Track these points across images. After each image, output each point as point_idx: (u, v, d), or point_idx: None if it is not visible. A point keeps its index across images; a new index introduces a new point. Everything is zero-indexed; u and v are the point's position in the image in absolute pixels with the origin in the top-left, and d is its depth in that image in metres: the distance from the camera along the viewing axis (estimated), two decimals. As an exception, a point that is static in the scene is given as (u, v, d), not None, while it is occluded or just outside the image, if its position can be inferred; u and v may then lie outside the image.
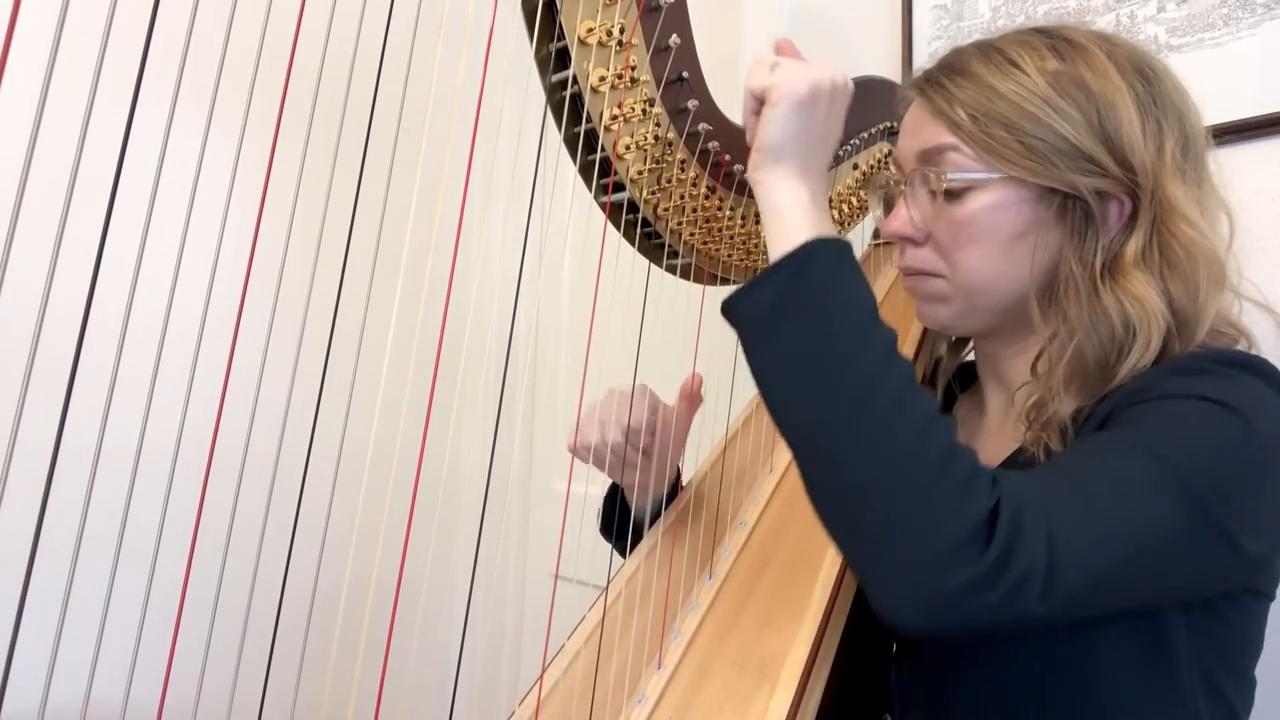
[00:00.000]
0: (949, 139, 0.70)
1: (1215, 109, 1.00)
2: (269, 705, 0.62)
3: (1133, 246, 0.67)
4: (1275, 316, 0.71)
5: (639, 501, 0.94)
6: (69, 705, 0.51)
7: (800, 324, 0.58)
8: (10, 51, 0.40)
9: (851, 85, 0.68)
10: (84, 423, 0.48)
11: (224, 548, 0.58)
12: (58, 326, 0.46)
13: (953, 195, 0.70)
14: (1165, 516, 0.54)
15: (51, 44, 0.43)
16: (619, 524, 0.96)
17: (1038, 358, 0.71)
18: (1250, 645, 0.67)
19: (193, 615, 0.57)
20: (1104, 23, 1.12)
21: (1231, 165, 0.74)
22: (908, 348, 0.91)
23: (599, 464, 0.91)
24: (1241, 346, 0.70)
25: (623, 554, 0.96)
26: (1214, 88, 1.00)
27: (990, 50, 0.72)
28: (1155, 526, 0.54)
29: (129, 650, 0.53)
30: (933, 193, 0.72)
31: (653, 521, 0.92)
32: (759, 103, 0.66)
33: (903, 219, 0.74)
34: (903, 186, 0.75)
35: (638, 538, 0.93)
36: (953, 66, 0.73)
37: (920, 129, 0.73)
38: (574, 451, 0.90)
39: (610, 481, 0.97)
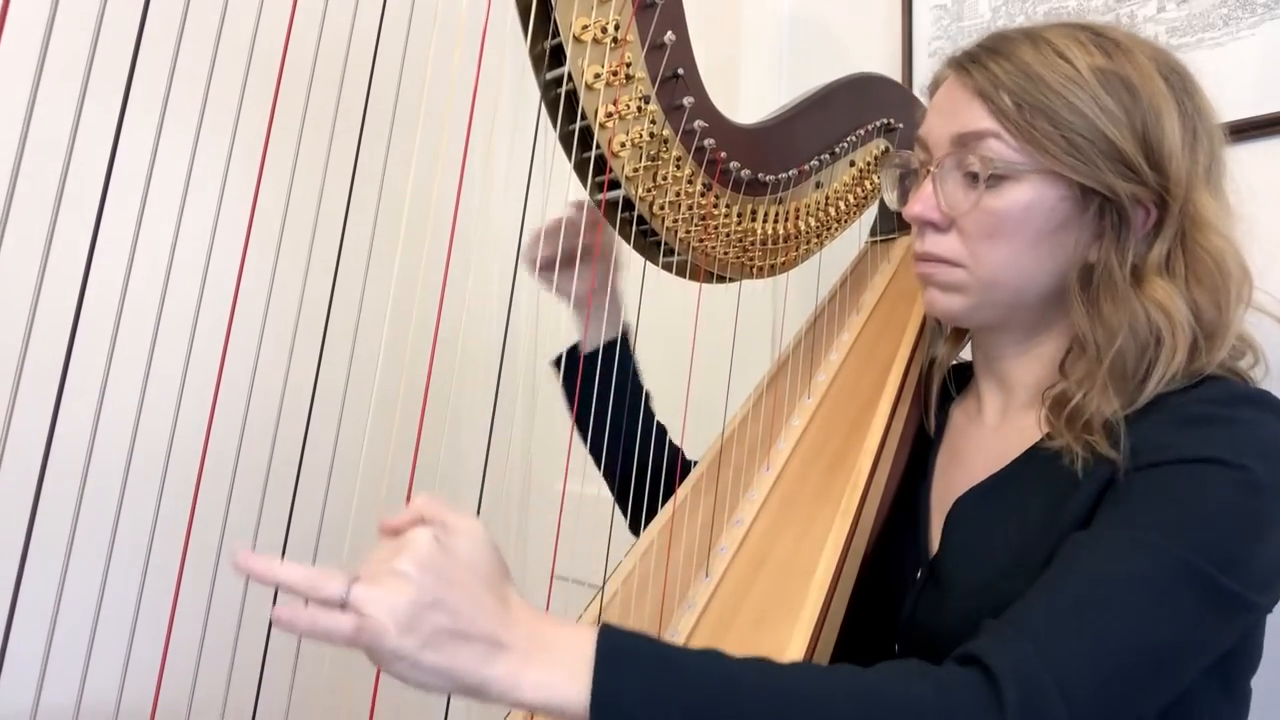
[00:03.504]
0: (990, 124, 0.68)
1: (1215, 109, 1.00)
2: (263, 705, 0.62)
3: (1156, 255, 0.66)
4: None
5: (597, 325, 0.96)
6: (62, 706, 0.51)
7: None
8: (2, 36, 0.39)
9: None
10: (76, 422, 0.48)
11: (217, 548, 0.58)
12: (49, 326, 0.46)
13: (992, 182, 0.68)
14: (1182, 612, 0.55)
15: (45, 28, 0.43)
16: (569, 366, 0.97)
17: (1066, 356, 0.71)
18: (1249, 664, 0.67)
19: (186, 615, 0.57)
20: (1104, 23, 1.12)
21: (1231, 165, 0.73)
22: (904, 348, 0.90)
23: (547, 275, 0.93)
24: (1248, 360, 0.70)
25: (580, 421, 0.97)
26: (1214, 88, 1.00)
27: (1037, 38, 0.69)
28: (1171, 626, 0.55)
29: (122, 651, 0.53)
30: (971, 176, 0.69)
31: (605, 354, 0.95)
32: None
33: (928, 202, 0.72)
34: (931, 168, 0.72)
35: (638, 512, 0.93)
36: (998, 49, 0.70)
37: (959, 110, 0.70)
38: (528, 261, 0.93)
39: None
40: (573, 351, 0.98)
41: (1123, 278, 0.66)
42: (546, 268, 0.93)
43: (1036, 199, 0.67)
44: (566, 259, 0.92)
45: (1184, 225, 0.66)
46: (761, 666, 0.53)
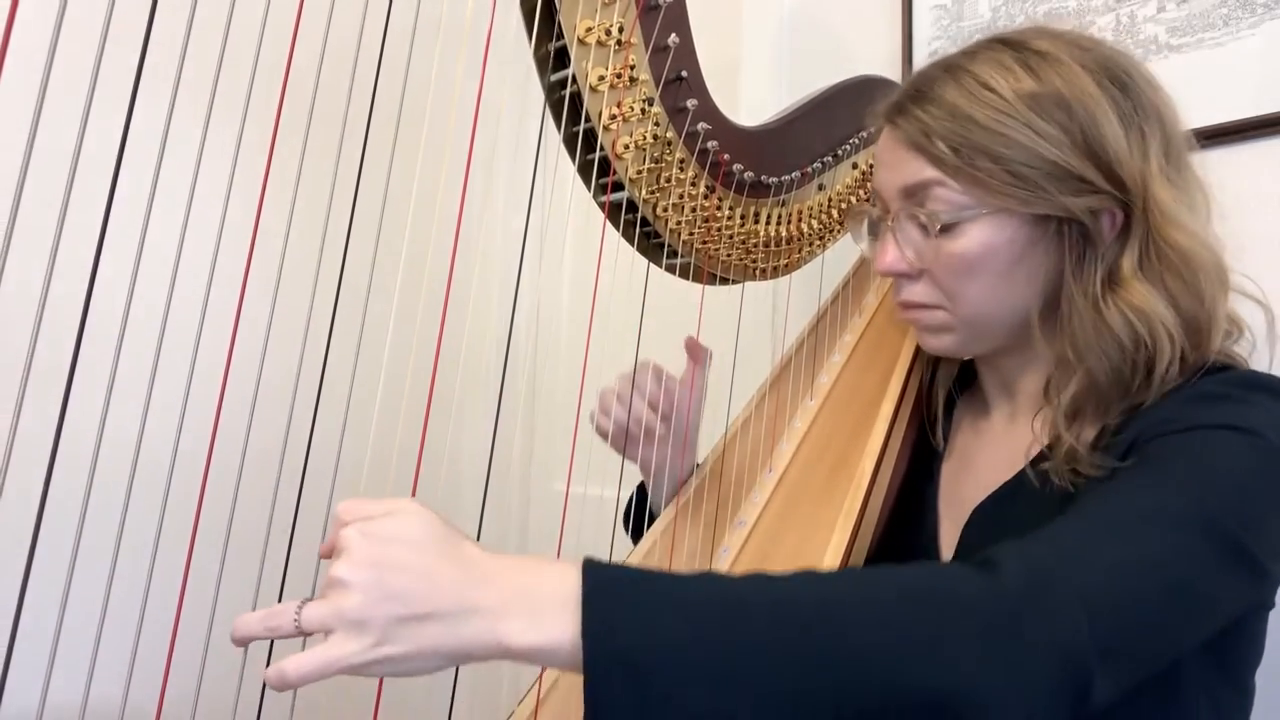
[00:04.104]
0: (932, 174, 0.68)
1: (1215, 109, 1.00)
2: (268, 704, 0.62)
3: (1129, 258, 0.66)
4: (1269, 313, 0.70)
5: (664, 491, 0.94)
6: (68, 705, 0.51)
7: (671, 670, 0.43)
8: (9, 44, 0.40)
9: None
10: (82, 422, 0.48)
11: (223, 546, 0.58)
12: (56, 325, 0.46)
13: (945, 230, 0.68)
14: (1195, 553, 0.53)
15: (51, 36, 0.43)
16: (637, 524, 0.97)
17: (1049, 381, 0.70)
18: (1252, 657, 0.67)
19: (192, 614, 0.57)
20: (1104, 22, 1.12)
21: (1231, 165, 0.74)
22: (906, 350, 0.91)
23: (619, 442, 0.90)
24: (1233, 338, 0.70)
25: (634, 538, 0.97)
26: (1214, 88, 1.00)
27: (959, 72, 0.69)
28: (1186, 563, 0.53)
29: (128, 650, 0.53)
30: (923, 228, 0.70)
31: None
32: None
33: (894, 256, 0.73)
34: (889, 222, 0.73)
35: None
36: (922, 94, 0.70)
37: (899, 163, 0.71)
38: (601, 431, 0.91)
39: (633, 488, 0.98)
40: (641, 496, 0.98)
41: (1089, 292, 0.66)
42: (618, 437, 0.91)
43: (993, 236, 0.67)
44: (640, 424, 0.89)
45: (1149, 223, 0.66)
46: (762, 577, 0.49)
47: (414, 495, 0.70)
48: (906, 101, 0.71)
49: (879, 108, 0.75)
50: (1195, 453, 0.58)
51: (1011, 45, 0.69)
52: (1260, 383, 0.63)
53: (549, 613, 0.45)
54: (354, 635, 0.44)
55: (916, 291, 0.73)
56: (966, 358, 0.83)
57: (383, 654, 0.44)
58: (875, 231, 0.81)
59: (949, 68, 0.70)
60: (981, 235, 0.68)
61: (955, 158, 0.67)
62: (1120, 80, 0.67)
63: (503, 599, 0.45)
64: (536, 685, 0.75)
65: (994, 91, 0.66)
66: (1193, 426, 0.59)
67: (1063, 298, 0.68)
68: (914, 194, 0.70)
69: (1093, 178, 0.65)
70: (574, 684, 0.74)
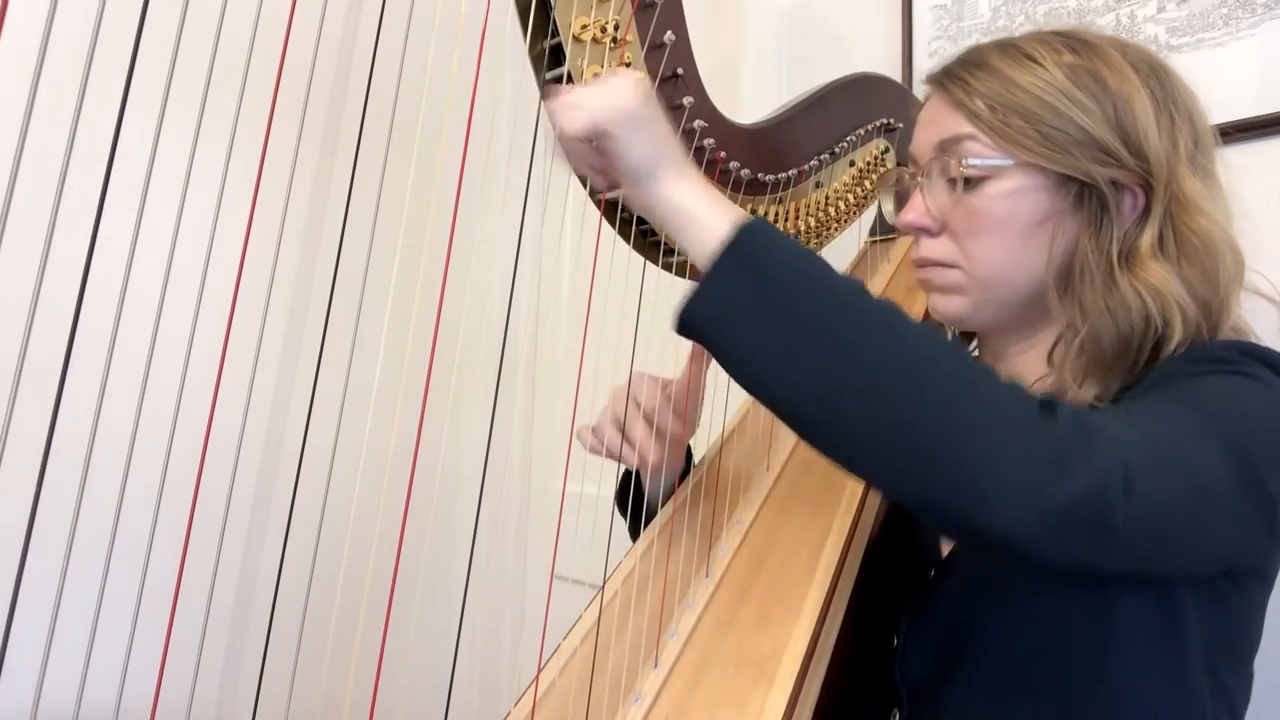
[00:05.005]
0: (967, 129, 0.71)
1: (1215, 109, 0.99)
2: (263, 704, 0.62)
3: (1148, 237, 0.68)
4: None
5: (654, 482, 0.94)
6: (62, 706, 0.51)
7: (779, 293, 0.54)
8: (1, 33, 0.39)
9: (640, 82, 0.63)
10: (76, 419, 0.48)
11: (217, 546, 0.58)
12: (49, 324, 0.46)
13: (970, 184, 0.71)
14: (1216, 464, 0.53)
15: (43, 30, 0.43)
16: (634, 505, 0.97)
17: (1054, 347, 0.71)
18: (1250, 634, 0.67)
19: (187, 614, 0.57)
20: (1104, 22, 1.12)
21: (1232, 165, 0.74)
22: None
23: (628, 461, 0.91)
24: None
25: (635, 536, 0.96)
26: (1214, 88, 1.00)
27: (1008, 46, 0.73)
28: (1207, 469, 0.53)
29: (122, 650, 0.53)
30: (951, 181, 0.72)
31: (665, 499, 0.93)
32: (591, 141, 0.63)
33: (918, 209, 0.75)
34: (919, 179, 0.75)
35: (650, 517, 0.93)
36: (971, 61, 0.74)
37: (938, 120, 0.74)
38: (594, 451, 0.91)
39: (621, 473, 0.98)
40: (637, 481, 0.98)
41: (1102, 264, 0.68)
42: (611, 453, 0.92)
43: (1015, 192, 0.69)
44: (634, 446, 0.90)
45: (1170, 207, 0.68)
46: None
47: (410, 493, 0.71)
48: (956, 66, 0.75)
49: (928, 74, 0.78)
50: (1208, 385, 0.59)
51: (1060, 33, 0.74)
52: (1258, 353, 0.64)
53: (717, 204, 0.60)
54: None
55: (935, 248, 0.75)
56: (973, 329, 0.83)
57: (638, 121, 0.60)
58: (903, 201, 0.83)
59: (1000, 42, 0.75)
60: (1005, 188, 0.70)
61: (990, 114, 0.70)
62: (1157, 73, 0.71)
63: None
64: (534, 686, 0.75)
65: (1036, 62, 0.70)
66: (1192, 375, 0.61)
67: (1075, 263, 0.69)
68: (946, 148, 0.73)
69: (1119, 152, 0.67)
70: (571, 685, 0.74)
